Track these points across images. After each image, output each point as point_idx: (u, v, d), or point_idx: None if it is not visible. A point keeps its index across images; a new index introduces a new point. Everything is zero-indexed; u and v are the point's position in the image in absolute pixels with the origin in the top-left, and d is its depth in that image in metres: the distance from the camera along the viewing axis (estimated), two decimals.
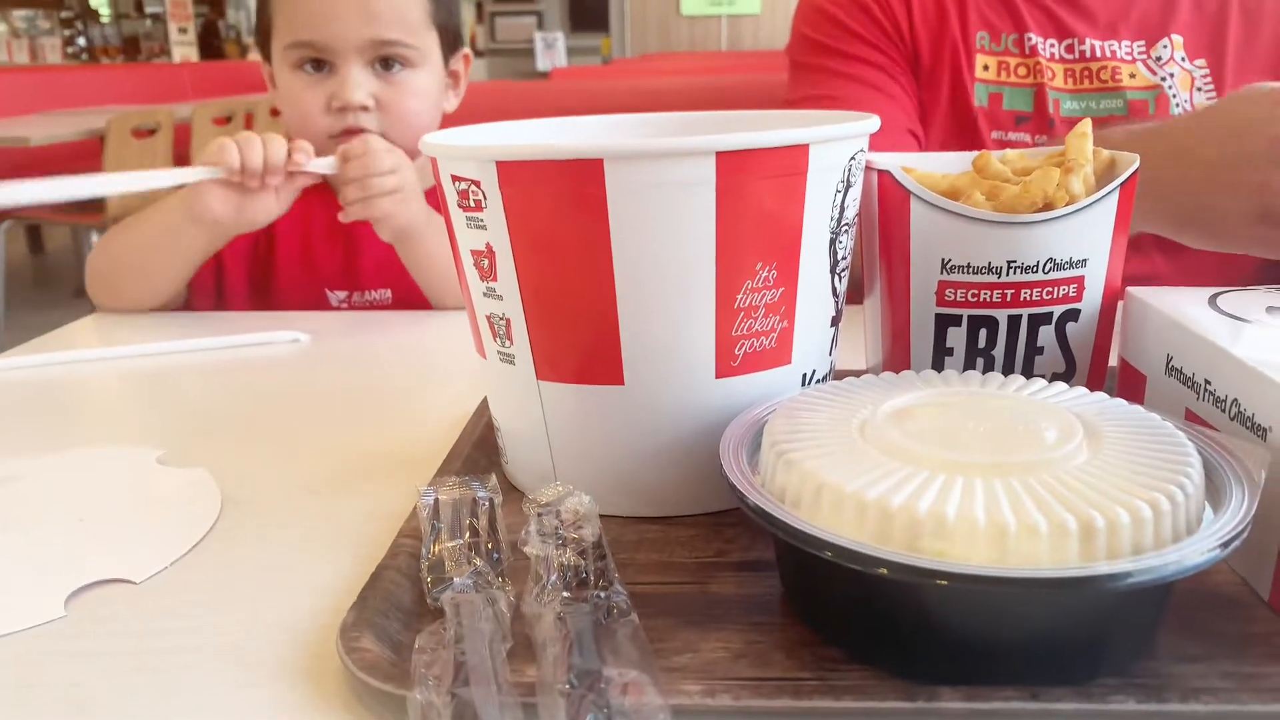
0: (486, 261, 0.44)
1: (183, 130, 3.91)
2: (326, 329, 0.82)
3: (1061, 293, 0.48)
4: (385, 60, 0.92)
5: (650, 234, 0.41)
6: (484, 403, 0.57)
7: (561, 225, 0.41)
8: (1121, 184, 0.48)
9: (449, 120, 0.99)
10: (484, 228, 0.43)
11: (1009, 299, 0.48)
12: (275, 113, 4.76)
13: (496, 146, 0.42)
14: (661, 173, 0.40)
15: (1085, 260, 0.48)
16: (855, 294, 0.52)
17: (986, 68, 0.93)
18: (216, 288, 0.99)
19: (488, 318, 0.46)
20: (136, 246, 0.90)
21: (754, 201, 0.41)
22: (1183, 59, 0.91)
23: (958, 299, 0.49)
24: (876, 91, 0.93)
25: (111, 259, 0.91)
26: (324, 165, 0.82)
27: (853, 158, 0.45)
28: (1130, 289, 0.50)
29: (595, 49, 9.05)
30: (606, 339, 0.42)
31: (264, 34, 0.97)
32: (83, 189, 0.73)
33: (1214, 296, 0.47)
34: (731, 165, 0.40)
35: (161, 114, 3.77)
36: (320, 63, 0.92)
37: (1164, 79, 0.91)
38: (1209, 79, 0.91)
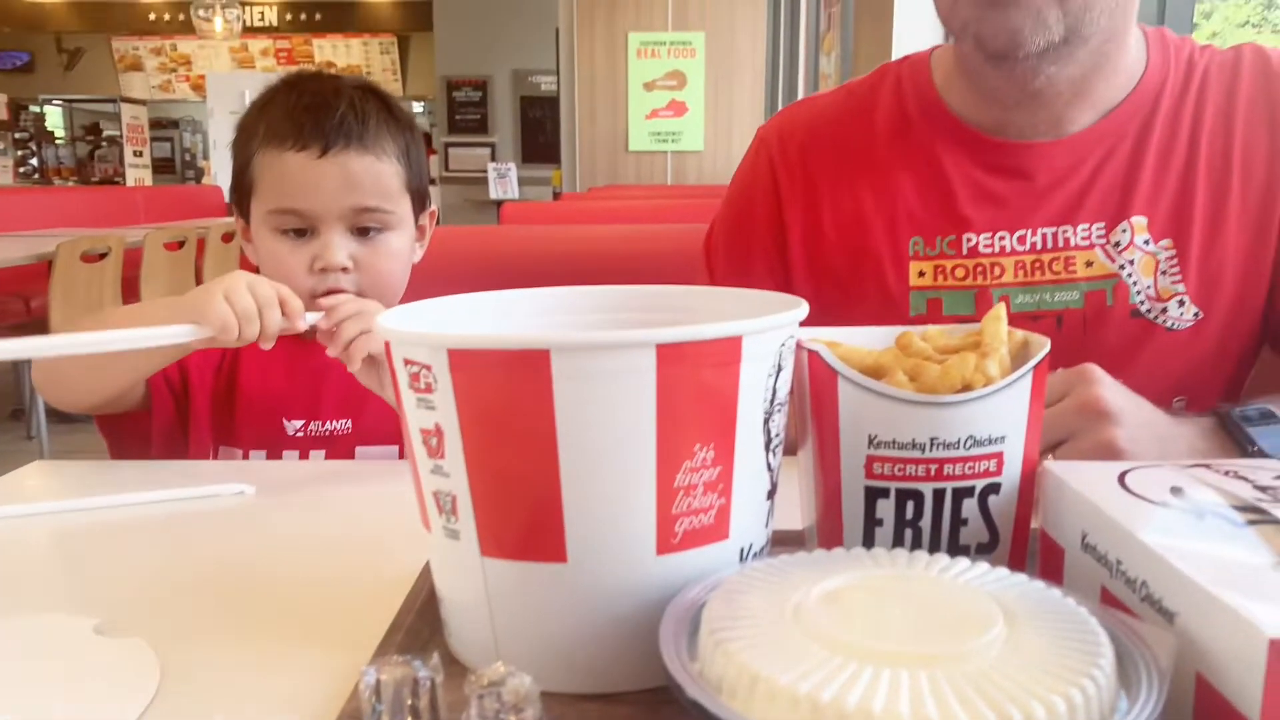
0: (435, 440, 0.46)
1: (133, 255, 3.91)
2: (273, 479, 0.82)
3: (982, 468, 0.51)
4: (363, 224, 0.97)
5: (594, 418, 0.43)
6: (427, 567, 0.58)
7: (509, 409, 0.43)
8: (1034, 366, 0.51)
9: (415, 269, 1.03)
10: (433, 409, 0.45)
11: (933, 473, 0.51)
12: (227, 238, 4.80)
13: (448, 335, 0.44)
14: (605, 362, 0.42)
15: (1003, 437, 0.51)
16: (790, 446, 0.54)
17: (923, 274, 0.89)
18: (178, 407, 0.99)
19: (434, 494, 0.47)
20: (92, 364, 0.87)
21: (692, 388, 0.44)
22: (1145, 242, 0.86)
23: (885, 472, 0.51)
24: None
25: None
26: (314, 318, 0.84)
27: (783, 344, 0.48)
28: (1046, 463, 0.53)
29: (546, 179, 9.32)
30: (550, 518, 0.44)
31: (243, 194, 1.00)
32: (61, 347, 0.74)
33: (1123, 474, 0.50)
34: (671, 355, 0.43)
35: (112, 238, 3.78)
36: (302, 228, 0.96)
37: (1123, 266, 0.86)
38: (1174, 261, 0.86)
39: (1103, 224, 0.87)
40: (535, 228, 1.57)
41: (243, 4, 8.82)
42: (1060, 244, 0.87)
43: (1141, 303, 0.87)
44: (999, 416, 0.51)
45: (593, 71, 7.47)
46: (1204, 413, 0.69)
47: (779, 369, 0.48)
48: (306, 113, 0.95)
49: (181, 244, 4.24)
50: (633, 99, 7.50)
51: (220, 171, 8.01)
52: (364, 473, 0.86)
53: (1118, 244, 0.87)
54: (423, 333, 0.45)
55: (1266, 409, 0.68)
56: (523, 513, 0.44)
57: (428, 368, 0.44)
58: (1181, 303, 0.86)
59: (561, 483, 0.43)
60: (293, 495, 0.80)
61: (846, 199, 0.93)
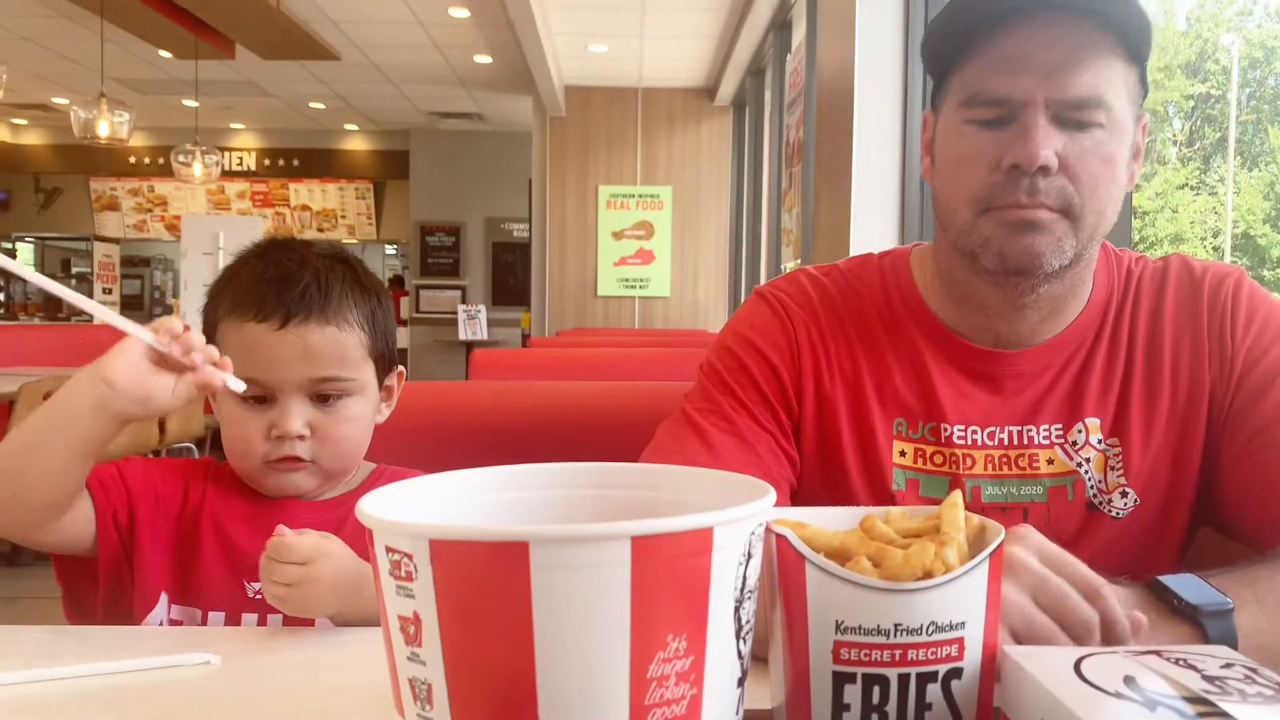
0: (413, 628, 0.47)
1: None
2: (239, 648, 0.81)
3: (944, 653, 0.53)
4: (322, 392, 0.99)
5: (570, 609, 0.44)
6: None
7: (487, 599, 0.45)
8: (990, 554, 0.53)
9: (390, 426, 1.06)
10: (412, 596, 0.46)
11: (897, 659, 0.52)
12: None
13: (430, 525, 0.45)
14: (582, 554, 0.44)
15: (964, 622, 0.53)
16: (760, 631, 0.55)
17: (904, 453, 0.95)
18: (124, 547, 0.98)
19: (410, 680, 0.47)
20: (19, 444, 0.88)
21: (665, 578, 0.45)
22: (1098, 441, 0.93)
23: (852, 658, 0.52)
24: (748, 447, 0.94)
25: None
26: (236, 385, 0.88)
27: (753, 531, 0.50)
28: (1006, 648, 0.54)
29: (515, 320, 9.47)
30: (525, 709, 0.45)
31: None
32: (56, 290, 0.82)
33: (1079, 661, 0.52)
34: (645, 547, 0.45)
35: None
36: (261, 395, 0.97)
37: (1079, 464, 0.93)
38: (1120, 457, 0.93)
39: (1060, 425, 0.94)
40: (504, 383, 1.60)
41: (222, 150, 9.06)
42: (1025, 442, 0.94)
43: (1094, 495, 0.93)
44: (959, 602, 0.53)
45: (563, 220, 7.72)
46: (1140, 583, 0.74)
47: (749, 556, 0.50)
48: (269, 285, 0.97)
49: None
50: (602, 247, 7.73)
51: (190, 310, 8.04)
52: (330, 640, 0.86)
53: (1074, 443, 0.94)
54: (405, 523, 0.46)
55: (1186, 574, 0.74)
56: (498, 704, 0.45)
57: (409, 556, 0.46)
58: (1124, 493, 0.93)
59: (537, 674, 0.44)
60: (257, 664, 0.79)
61: (849, 366, 0.98)
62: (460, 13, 6.17)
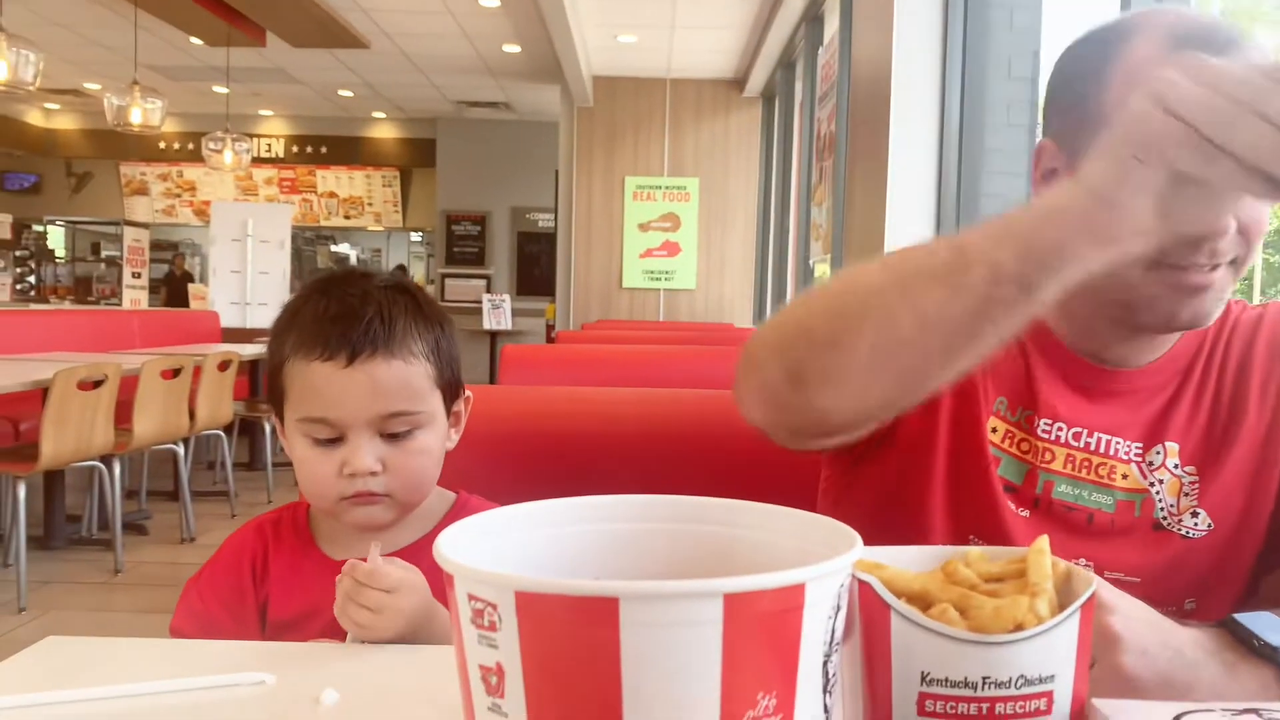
0: (495, 679, 0.45)
1: (129, 382, 3.92)
2: (295, 666, 0.80)
3: (1033, 706, 0.51)
4: (392, 429, 0.98)
5: (659, 667, 0.43)
6: None
7: (574, 654, 0.43)
8: (1081, 605, 0.52)
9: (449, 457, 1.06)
10: (496, 647, 0.45)
11: (984, 712, 0.51)
12: (223, 366, 4.82)
13: (517, 577, 0.44)
14: (673, 611, 0.43)
15: (1053, 675, 0.51)
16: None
17: (995, 430, 0.95)
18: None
19: None
20: None
21: (756, 636, 0.44)
22: (1175, 465, 0.94)
23: (937, 710, 0.51)
24: None
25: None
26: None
27: (842, 584, 0.48)
28: (1094, 700, 0.53)
29: (540, 311, 9.49)
30: None
31: (277, 397, 1.02)
32: None
33: (1177, 717, 0.50)
34: (737, 605, 0.43)
35: (109, 366, 3.79)
36: (332, 436, 0.97)
37: (1152, 484, 0.94)
38: (1195, 484, 0.94)
39: (1141, 444, 0.95)
40: (539, 389, 1.58)
41: (250, 137, 9.11)
42: (1106, 451, 0.95)
43: (1163, 516, 0.94)
44: (1049, 655, 0.51)
45: (589, 211, 7.70)
46: (1211, 623, 0.71)
47: (838, 609, 0.48)
48: (334, 323, 0.96)
49: (177, 372, 4.25)
50: (628, 238, 7.71)
51: (218, 298, 8.10)
52: (392, 659, 0.85)
53: (1151, 464, 0.94)
54: (491, 572, 0.45)
55: (1265, 613, 0.70)
56: None
57: (493, 606, 0.45)
58: (1195, 514, 0.93)
59: None
60: (313, 683, 0.78)
61: None
62: (491, 2, 6.16)
